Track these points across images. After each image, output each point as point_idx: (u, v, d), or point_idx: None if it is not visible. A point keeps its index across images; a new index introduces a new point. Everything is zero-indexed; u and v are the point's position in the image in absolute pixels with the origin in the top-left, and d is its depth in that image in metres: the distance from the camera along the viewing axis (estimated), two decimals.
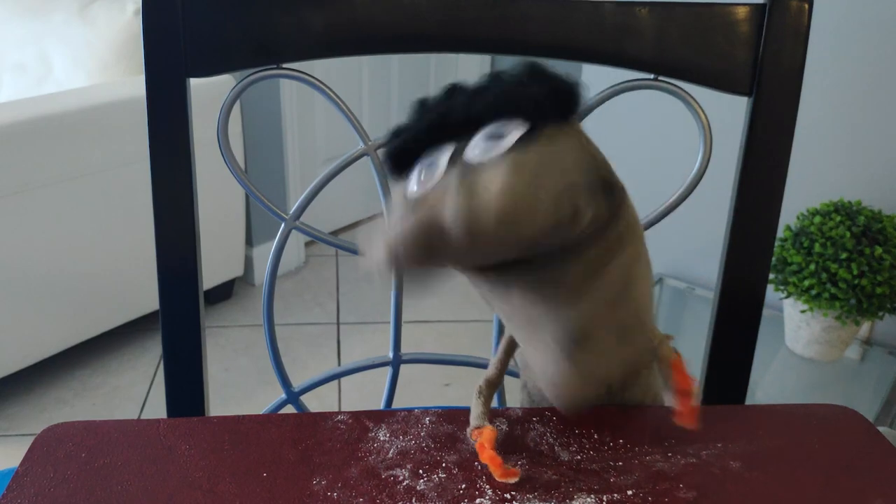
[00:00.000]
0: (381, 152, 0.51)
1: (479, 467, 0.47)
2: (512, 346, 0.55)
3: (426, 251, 0.44)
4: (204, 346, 0.70)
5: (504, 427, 0.51)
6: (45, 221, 1.59)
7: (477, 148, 0.44)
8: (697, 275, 1.82)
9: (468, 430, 0.50)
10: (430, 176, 0.45)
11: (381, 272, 0.45)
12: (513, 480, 0.46)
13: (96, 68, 1.81)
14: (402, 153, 0.48)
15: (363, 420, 0.52)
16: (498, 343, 0.76)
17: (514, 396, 0.62)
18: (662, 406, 0.54)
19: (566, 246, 0.45)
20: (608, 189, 0.48)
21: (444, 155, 0.46)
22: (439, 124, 0.47)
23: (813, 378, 1.51)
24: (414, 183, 0.46)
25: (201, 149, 0.70)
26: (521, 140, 0.44)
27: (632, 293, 0.49)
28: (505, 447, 0.49)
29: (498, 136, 0.44)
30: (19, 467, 0.46)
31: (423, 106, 0.50)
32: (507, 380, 0.60)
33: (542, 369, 0.49)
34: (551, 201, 0.43)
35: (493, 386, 0.53)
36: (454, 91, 0.49)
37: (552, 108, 0.46)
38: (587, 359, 0.47)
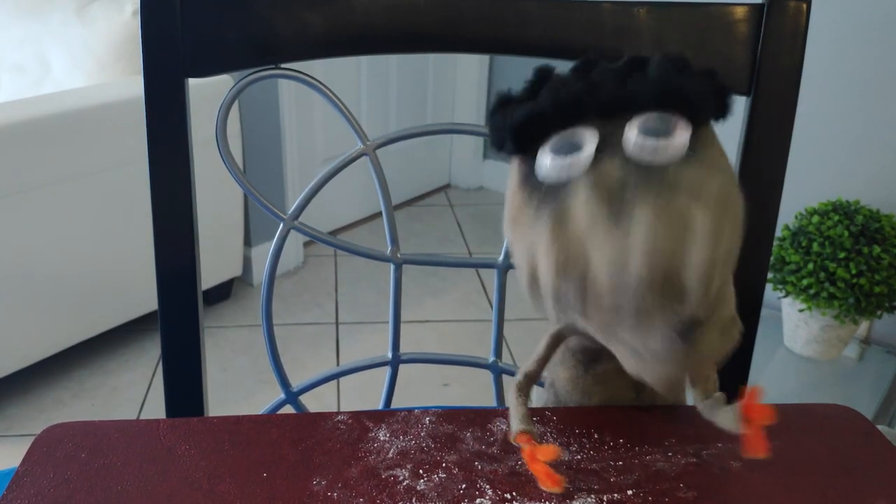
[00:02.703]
0: (496, 121, 0.43)
1: (480, 467, 0.47)
2: (558, 341, 0.50)
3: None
4: (203, 346, 0.70)
5: (504, 427, 0.51)
6: (45, 221, 1.59)
7: (640, 143, 0.38)
8: None
9: (512, 433, 0.47)
10: (571, 159, 0.39)
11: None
12: (558, 490, 0.44)
13: (95, 68, 1.81)
14: (529, 126, 0.41)
15: (363, 420, 0.52)
16: (498, 341, 0.76)
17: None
18: (664, 406, 0.54)
19: None
20: None
21: (590, 139, 0.40)
22: (580, 101, 0.41)
23: (811, 377, 1.51)
24: (549, 162, 0.40)
25: (200, 149, 0.70)
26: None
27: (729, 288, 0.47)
28: (505, 447, 0.49)
29: (661, 133, 0.39)
30: (19, 468, 0.46)
31: (551, 76, 0.43)
32: (507, 379, 0.59)
33: (643, 349, 0.43)
34: (738, 238, 0.39)
35: (532, 381, 0.50)
36: (590, 67, 0.43)
37: (714, 107, 0.42)
38: (701, 340, 0.43)
